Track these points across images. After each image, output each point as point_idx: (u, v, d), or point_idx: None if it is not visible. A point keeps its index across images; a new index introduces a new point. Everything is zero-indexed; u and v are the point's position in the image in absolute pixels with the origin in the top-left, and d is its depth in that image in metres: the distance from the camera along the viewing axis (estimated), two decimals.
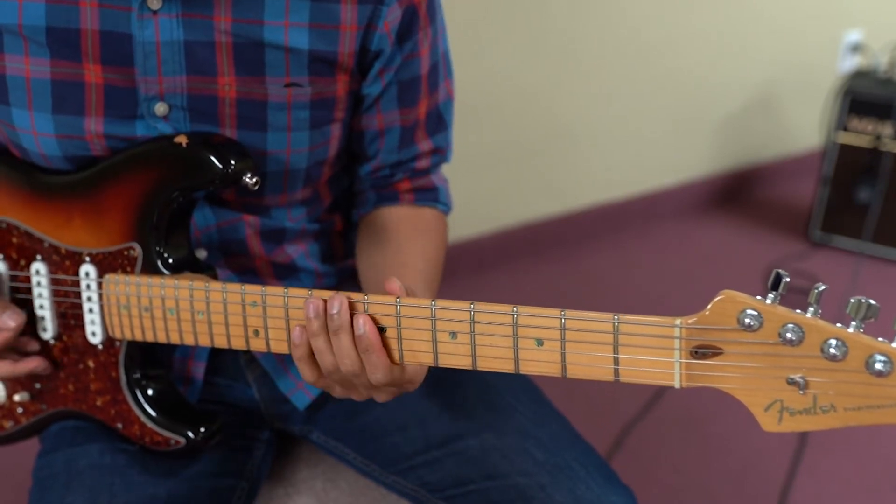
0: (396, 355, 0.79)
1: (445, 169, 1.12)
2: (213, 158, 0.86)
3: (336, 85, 0.94)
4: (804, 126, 3.39)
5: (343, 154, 1.04)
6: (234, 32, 0.88)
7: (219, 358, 1.04)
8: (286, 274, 1.04)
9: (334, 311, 0.78)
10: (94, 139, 0.90)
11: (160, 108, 0.89)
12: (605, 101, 2.83)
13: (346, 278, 1.11)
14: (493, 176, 2.65)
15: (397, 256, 0.99)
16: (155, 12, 0.87)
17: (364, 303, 0.78)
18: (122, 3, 0.86)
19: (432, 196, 1.08)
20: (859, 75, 2.88)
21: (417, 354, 0.78)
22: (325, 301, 0.79)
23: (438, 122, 1.05)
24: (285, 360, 1.04)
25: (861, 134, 2.78)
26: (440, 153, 1.07)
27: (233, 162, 0.87)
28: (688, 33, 2.94)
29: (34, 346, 0.97)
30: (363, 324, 0.77)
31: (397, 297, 0.77)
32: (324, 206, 1.06)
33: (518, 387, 1.04)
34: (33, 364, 0.95)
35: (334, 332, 0.78)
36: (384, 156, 1.03)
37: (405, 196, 1.06)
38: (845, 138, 2.81)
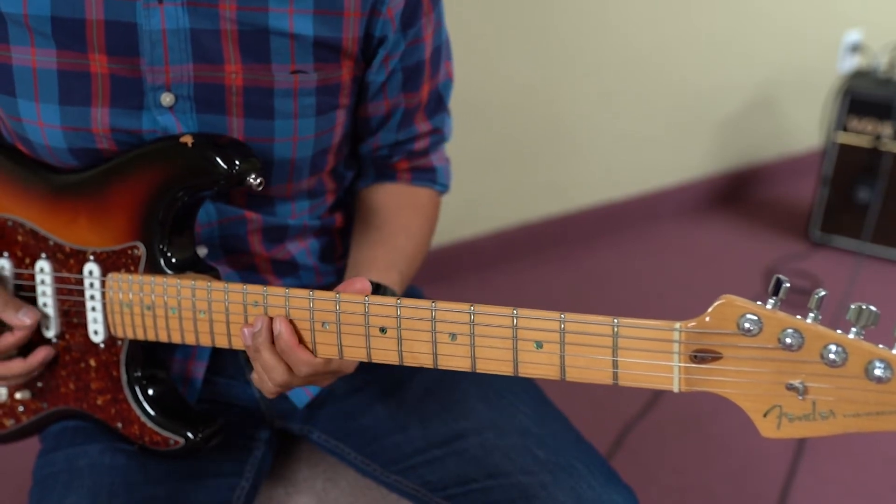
0: (319, 349, 0.82)
1: None
2: (218, 159, 0.87)
3: (341, 71, 0.94)
4: (804, 126, 3.39)
5: (347, 141, 1.04)
6: (240, 20, 0.89)
7: (219, 357, 1.04)
8: (286, 271, 1.05)
9: (256, 329, 0.82)
10: (99, 132, 0.90)
11: (166, 99, 0.89)
12: (606, 101, 2.83)
13: (344, 276, 1.11)
14: (493, 176, 2.65)
15: (379, 232, 1.04)
16: (160, 1, 0.87)
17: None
18: None
19: (430, 176, 1.10)
20: (859, 75, 2.88)
21: (417, 356, 0.78)
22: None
23: (438, 103, 1.06)
24: None
25: (861, 134, 2.78)
26: (438, 133, 1.09)
27: (238, 162, 0.87)
28: (687, 34, 2.94)
29: (38, 341, 0.97)
30: (279, 324, 0.81)
31: (398, 300, 0.78)
32: (327, 200, 1.07)
33: (519, 386, 1.04)
34: (42, 354, 0.96)
35: (256, 349, 0.83)
36: (384, 134, 1.04)
37: (402, 175, 1.09)
38: (845, 138, 2.81)
